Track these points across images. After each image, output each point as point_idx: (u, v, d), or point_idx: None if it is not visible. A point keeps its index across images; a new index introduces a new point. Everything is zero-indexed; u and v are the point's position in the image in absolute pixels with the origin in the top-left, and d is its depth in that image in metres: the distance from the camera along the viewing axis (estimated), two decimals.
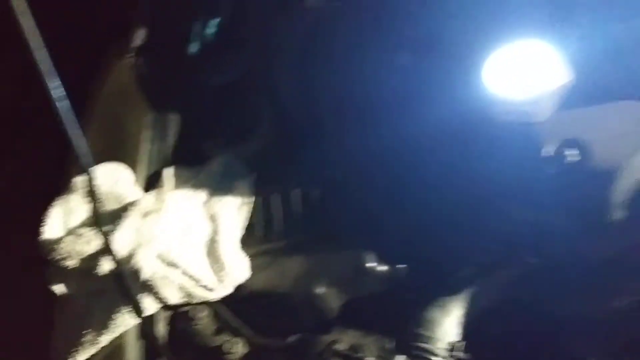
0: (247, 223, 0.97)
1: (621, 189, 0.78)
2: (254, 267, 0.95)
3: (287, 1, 1.10)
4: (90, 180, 0.76)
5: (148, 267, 0.90)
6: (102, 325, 0.91)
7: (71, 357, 0.92)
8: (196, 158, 1.05)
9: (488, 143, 0.87)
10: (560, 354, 0.90)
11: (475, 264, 0.91)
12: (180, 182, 1.00)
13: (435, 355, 0.85)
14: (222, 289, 0.93)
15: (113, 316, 0.90)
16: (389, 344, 0.85)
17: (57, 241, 0.90)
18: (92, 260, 0.90)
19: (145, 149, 1.01)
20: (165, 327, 0.95)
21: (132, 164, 1.00)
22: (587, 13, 0.81)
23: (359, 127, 1.02)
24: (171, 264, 0.91)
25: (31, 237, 0.93)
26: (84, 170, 0.76)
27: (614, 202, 0.79)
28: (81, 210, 0.93)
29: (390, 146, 0.98)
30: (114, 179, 0.96)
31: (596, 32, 0.81)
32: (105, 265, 0.89)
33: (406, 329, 0.88)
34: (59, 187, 0.97)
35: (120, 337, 0.92)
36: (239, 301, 0.94)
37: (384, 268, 0.92)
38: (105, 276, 0.90)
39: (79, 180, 0.94)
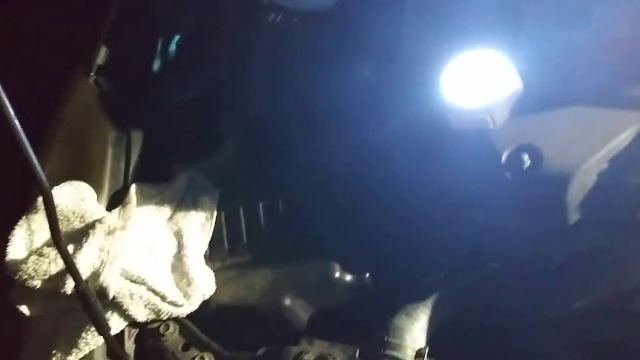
0: (212, 238, 0.98)
1: (575, 193, 0.80)
2: (221, 282, 0.95)
3: (250, 17, 1.11)
4: (46, 200, 0.76)
5: (114, 284, 0.89)
6: (70, 345, 0.90)
7: None
8: (161, 174, 1.05)
9: (447, 151, 0.89)
10: (524, 356, 0.92)
11: (440, 270, 0.93)
12: (145, 199, 1.00)
13: None
14: (189, 305, 0.93)
15: (80, 335, 0.90)
16: (357, 353, 0.86)
17: (21, 262, 0.90)
18: (57, 280, 0.89)
19: (109, 167, 1.01)
20: (133, 345, 0.94)
21: (96, 181, 1.00)
22: (535, 22, 0.84)
23: (323, 139, 1.03)
24: (137, 281, 0.91)
25: None
26: (40, 189, 0.76)
27: (569, 206, 0.81)
28: (45, 230, 0.93)
29: (354, 157, 1.00)
30: (78, 198, 0.96)
31: (544, 40, 0.84)
32: (71, 285, 0.88)
33: (374, 337, 0.89)
34: (23, 208, 0.96)
35: (88, 357, 0.92)
36: (207, 316, 0.94)
37: (349, 277, 0.93)
38: (71, 295, 0.89)
39: (41, 200, 0.94)
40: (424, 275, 0.93)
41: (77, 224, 0.94)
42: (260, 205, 0.98)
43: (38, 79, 1.22)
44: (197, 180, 1.04)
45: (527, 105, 0.84)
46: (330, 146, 1.01)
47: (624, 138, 0.80)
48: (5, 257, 0.92)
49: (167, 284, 0.92)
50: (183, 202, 1.01)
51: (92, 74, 1.09)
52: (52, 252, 0.90)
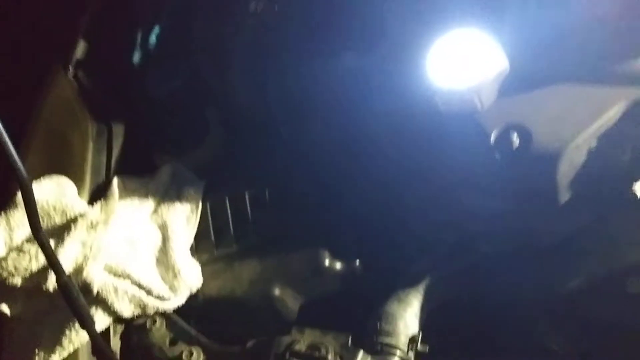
0: (197, 230, 0.96)
1: (565, 171, 0.80)
2: (208, 274, 0.94)
3: (231, 6, 1.10)
4: (26, 194, 0.73)
5: (97, 279, 0.87)
6: (53, 343, 0.88)
7: None
8: (144, 168, 1.03)
9: (435, 134, 0.88)
10: (519, 341, 0.91)
11: (431, 255, 0.92)
12: (128, 192, 0.98)
13: (397, 348, 0.84)
14: (176, 298, 0.91)
15: (64, 333, 0.87)
16: (349, 341, 0.84)
17: (1, 259, 0.87)
18: (38, 276, 0.87)
19: (90, 161, 0.99)
20: (119, 342, 0.92)
21: (77, 176, 0.97)
22: (520, 0, 0.83)
23: (309, 127, 1.02)
24: (121, 276, 0.89)
25: None
26: (19, 184, 0.73)
27: (559, 184, 0.80)
28: (25, 226, 0.90)
29: (341, 144, 0.99)
30: (59, 192, 0.93)
31: (529, 18, 0.83)
32: (53, 281, 0.86)
33: (366, 324, 0.87)
34: (2, 203, 0.94)
35: (73, 355, 0.89)
36: (194, 309, 0.92)
37: (339, 265, 0.92)
38: (54, 293, 0.87)
39: (21, 195, 0.91)
40: (415, 261, 0.92)
41: (58, 219, 0.92)
42: (246, 196, 0.96)
43: (16, 75, 1.19)
44: (181, 173, 1.02)
45: (514, 84, 0.83)
46: (316, 134, 0.99)
47: (612, 114, 0.79)
48: None
49: (152, 278, 0.90)
50: (167, 194, 0.99)
51: (70, 68, 1.07)
52: (33, 248, 0.87)
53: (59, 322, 0.88)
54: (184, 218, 0.96)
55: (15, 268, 0.87)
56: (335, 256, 0.91)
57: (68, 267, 0.86)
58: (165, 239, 0.94)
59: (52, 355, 0.87)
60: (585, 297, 0.88)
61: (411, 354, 0.85)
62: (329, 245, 0.92)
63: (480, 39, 0.82)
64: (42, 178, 0.95)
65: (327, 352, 0.82)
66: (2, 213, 0.92)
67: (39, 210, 0.82)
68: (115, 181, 0.98)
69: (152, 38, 1.10)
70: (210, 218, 0.97)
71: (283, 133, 1.03)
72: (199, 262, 0.95)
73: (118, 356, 0.91)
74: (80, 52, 1.09)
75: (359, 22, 1.01)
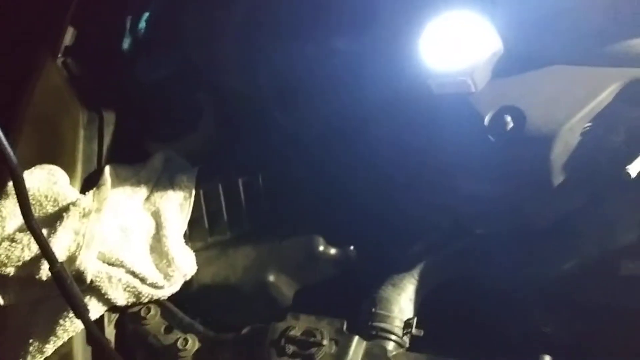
0: (191, 217, 0.95)
1: (559, 153, 0.79)
2: (202, 261, 0.93)
3: None
4: (17, 183, 0.73)
5: (91, 268, 0.87)
6: (47, 333, 0.87)
7: None
8: (136, 155, 1.02)
9: (429, 117, 0.87)
10: (514, 325, 0.91)
11: (425, 239, 0.92)
12: (120, 180, 0.97)
13: (392, 333, 0.84)
14: (170, 286, 0.91)
15: (57, 323, 0.87)
16: (344, 326, 0.84)
17: None
18: (31, 265, 0.86)
19: (82, 149, 0.98)
20: (113, 330, 0.92)
21: (69, 164, 0.97)
22: None
23: (302, 111, 1.01)
24: (115, 264, 0.88)
25: None
26: (11, 173, 0.72)
27: (553, 166, 0.80)
28: (17, 216, 0.90)
29: (334, 128, 0.98)
30: (50, 181, 0.93)
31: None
32: (46, 270, 0.85)
33: (361, 309, 0.87)
34: None
35: (67, 344, 0.88)
36: (189, 297, 0.92)
37: (334, 251, 0.91)
38: (47, 282, 0.86)
39: (12, 185, 0.90)
40: (409, 245, 0.91)
41: (50, 208, 0.91)
42: (240, 182, 0.96)
43: (4, 63, 1.18)
44: (174, 160, 1.01)
45: (508, 66, 0.82)
46: (309, 119, 0.99)
47: (606, 96, 0.79)
48: None
49: (146, 266, 0.90)
50: (160, 182, 0.98)
51: (59, 55, 1.05)
52: (25, 238, 0.87)
53: (53, 312, 0.88)
54: (177, 205, 0.95)
55: (8, 258, 0.86)
56: (329, 242, 0.91)
57: (61, 255, 0.86)
58: (158, 227, 0.93)
59: (47, 345, 0.87)
60: (578, 280, 0.88)
61: (406, 338, 0.85)
62: (323, 231, 0.91)
63: (473, 20, 0.82)
64: (33, 167, 0.94)
65: (322, 338, 0.81)
66: None
67: (30, 199, 0.82)
68: (107, 169, 0.97)
69: (142, 24, 1.09)
70: (203, 205, 0.96)
71: (275, 117, 1.02)
72: (193, 250, 0.94)
73: (113, 345, 0.91)
74: (69, 38, 1.07)
75: (351, 5, 1.00)
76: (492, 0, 0.83)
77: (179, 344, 0.88)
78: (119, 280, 0.88)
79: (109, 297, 0.88)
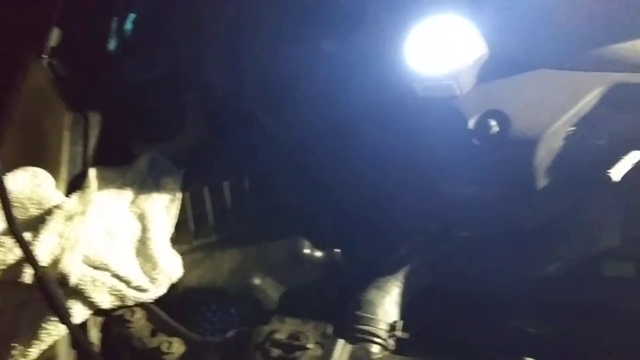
0: (177, 220, 0.95)
1: (543, 156, 0.80)
2: (188, 264, 0.93)
3: None
4: (0, 186, 0.72)
5: (75, 271, 0.86)
6: (30, 337, 0.87)
7: None
8: (121, 157, 1.02)
9: (414, 120, 0.87)
10: (498, 326, 0.91)
11: (410, 242, 0.92)
12: (106, 183, 0.97)
13: (377, 336, 0.84)
14: (155, 289, 0.90)
15: (41, 326, 0.86)
16: (329, 329, 0.84)
17: None
18: (15, 269, 0.86)
19: (67, 151, 0.98)
20: (98, 334, 0.91)
21: (53, 167, 0.96)
22: None
23: (289, 113, 1.01)
24: (100, 267, 0.88)
25: None
26: None
27: (537, 169, 0.80)
28: (0, 219, 0.89)
29: (320, 131, 0.98)
30: (34, 184, 0.92)
31: (508, 3, 0.82)
32: (29, 273, 0.85)
33: (346, 312, 0.87)
34: None
35: (51, 348, 0.88)
36: (174, 300, 0.91)
37: (319, 253, 0.91)
38: (31, 286, 0.86)
39: None
40: (394, 248, 0.91)
41: (34, 211, 0.91)
42: (226, 185, 0.96)
43: None
44: (160, 162, 1.01)
45: (493, 70, 0.83)
46: (296, 121, 0.99)
47: (589, 99, 0.79)
48: None
49: (131, 269, 0.89)
50: (145, 184, 0.98)
51: (44, 56, 1.05)
52: (9, 241, 0.86)
53: (36, 315, 0.87)
54: (162, 208, 0.95)
55: None
56: (315, 245, 0.91)
57: (45, 259, 0.86)
58: (144, 230, 0.93)
59: (31, 349, 0.87)
60: (563, 281, 0.89)
61: (391, 341, 0.85)
62: (309, 234, 0.91)
63: (458, 24, 0.82)
64: (16, 169, 0.93)
65: (307, 341, 0.82)
66: None
67: (14, 202, 0.81)
68: (92, 171, 0.97)
69: (128, 25, 1.08)
70: (189, 207, 0.96)
71: (261, 119, 1.02)
72: (179, 252, 0.94)
73: (98, 348, 0.90)
74: (54, 39, 1.07)
75: (337, 8, 1.00)
76: (477, 4, 0.83)
77: (163, 347, 0.88)
78: (104, 283, 0.88)
79: (94, 301, 0.88)
